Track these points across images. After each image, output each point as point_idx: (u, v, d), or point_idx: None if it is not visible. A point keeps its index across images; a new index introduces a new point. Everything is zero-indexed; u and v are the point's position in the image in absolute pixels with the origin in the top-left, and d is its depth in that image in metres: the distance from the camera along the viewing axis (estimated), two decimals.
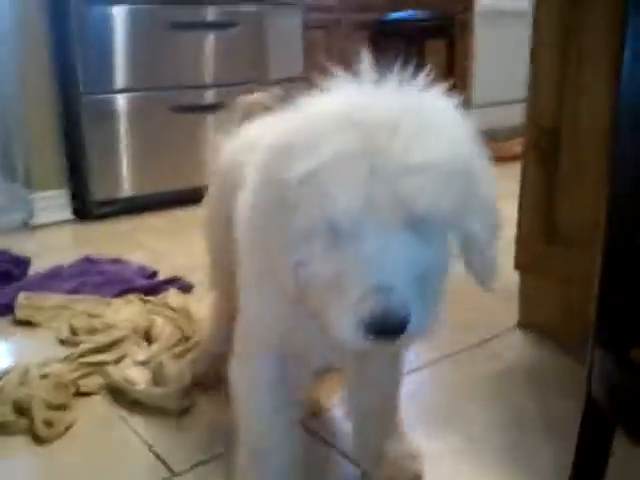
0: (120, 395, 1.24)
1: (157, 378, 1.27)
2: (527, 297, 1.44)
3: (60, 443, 1.11)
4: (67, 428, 1.14)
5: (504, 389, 1.22)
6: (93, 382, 1.29)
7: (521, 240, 1.38)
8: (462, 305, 1.62)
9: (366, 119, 0.61)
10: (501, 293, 1.65)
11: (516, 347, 1.38)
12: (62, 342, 1.47)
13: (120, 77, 2.57)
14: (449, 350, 1.37)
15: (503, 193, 2.88)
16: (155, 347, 1.40)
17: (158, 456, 1.06)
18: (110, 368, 1.31)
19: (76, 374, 1.29)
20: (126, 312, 1.57)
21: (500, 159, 3.42)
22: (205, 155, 1.31)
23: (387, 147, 0.59)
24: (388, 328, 0.60)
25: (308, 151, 0.61)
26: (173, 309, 1.58)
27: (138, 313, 1.56)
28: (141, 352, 1.39)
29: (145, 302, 1.63)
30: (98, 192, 2.61)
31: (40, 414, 1.14)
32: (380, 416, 0.99)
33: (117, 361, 1.35)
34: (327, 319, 0.64)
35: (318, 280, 0.65)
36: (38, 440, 1.11)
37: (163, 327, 1.48)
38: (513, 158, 3.69)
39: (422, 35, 3.34)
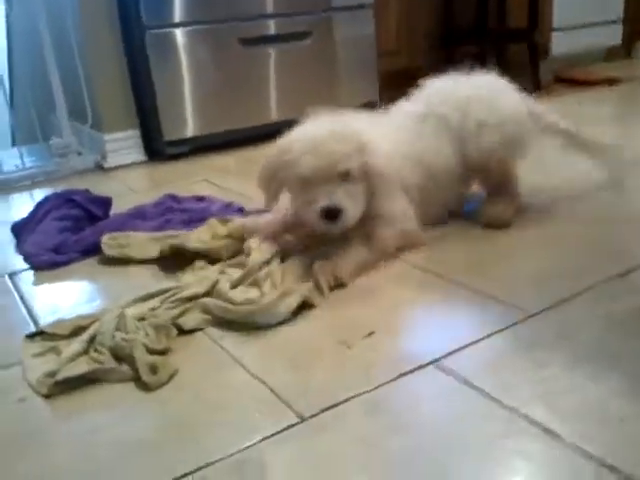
0: (224, 325, 1.14)
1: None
2: None
3: (168, 390, 0.99)
4: (172, 374, 1.02)
5: None
6: (194, 318, 1.18)
7: None
8: (599, 232, 1.44)
9: (315, 136, 1.29)
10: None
11: None
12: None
13: (182, 8, 2.40)
14: (593, 279, 1.19)
15: (590, 117, 2.50)
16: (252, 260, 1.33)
17: (281, 399, 0.93)
18: (207, 299, 1.20)
19: (175, 312, 1.18)
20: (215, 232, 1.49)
21: (583, 83, 3.07)
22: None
23: (321, 148, 1.26)
24: (331, 215, 1.26)
25: (292, 150, 1.30)
26: None
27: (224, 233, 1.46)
28: (236, 271, 1.31)
29: (226, 222, 1.51)
30: (168, 132, 2.49)
31: (143, 359, 1.03)
32: None
33: (210, 292, 1.24)
34: (306, 217, 1.31)
35: (302, 202, 1.32)
36: (144, 387, 1.00)
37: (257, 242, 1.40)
38: (595, 83, 3.38)
39: None
